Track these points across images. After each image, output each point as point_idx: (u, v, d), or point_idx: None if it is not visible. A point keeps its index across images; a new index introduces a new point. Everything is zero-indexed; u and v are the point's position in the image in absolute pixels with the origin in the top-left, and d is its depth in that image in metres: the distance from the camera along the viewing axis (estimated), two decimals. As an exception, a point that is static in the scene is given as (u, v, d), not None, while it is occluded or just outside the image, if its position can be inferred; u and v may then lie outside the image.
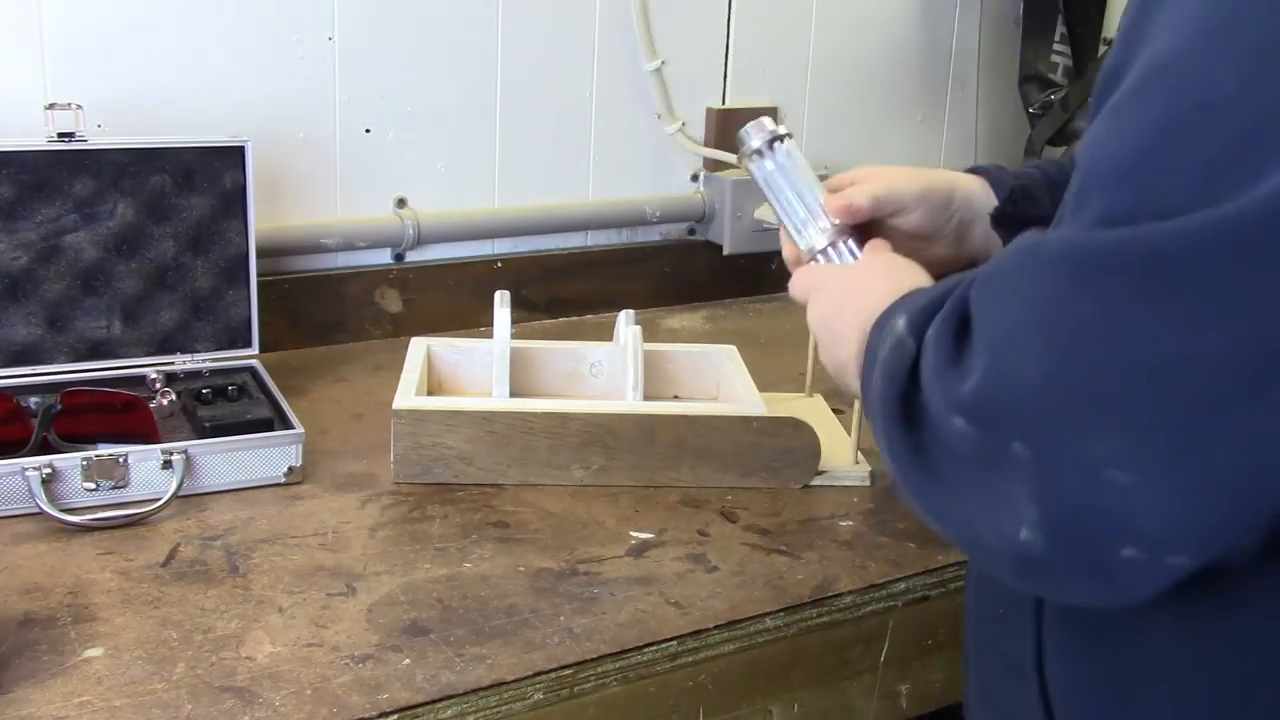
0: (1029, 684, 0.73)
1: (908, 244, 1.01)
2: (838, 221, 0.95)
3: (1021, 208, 0.98)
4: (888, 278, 0.81)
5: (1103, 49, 1.69)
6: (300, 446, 1.12)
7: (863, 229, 0.95)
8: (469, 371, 1.28)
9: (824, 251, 0.95)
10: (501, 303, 1.21)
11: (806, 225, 0.96)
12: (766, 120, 0.97)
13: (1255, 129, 0.52)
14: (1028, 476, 0.55)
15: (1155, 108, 0.55)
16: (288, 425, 1.15)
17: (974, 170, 1.04)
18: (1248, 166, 0.51)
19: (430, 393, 1.25)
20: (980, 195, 1.00)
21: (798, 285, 0.91)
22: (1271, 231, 0.50)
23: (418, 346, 1.26)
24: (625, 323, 1.23)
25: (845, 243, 0.96)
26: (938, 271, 0.95)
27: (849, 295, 0.82)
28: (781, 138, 0.97)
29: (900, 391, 0.64)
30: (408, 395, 1.15)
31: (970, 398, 0.57)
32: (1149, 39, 0.58)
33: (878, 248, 0.91)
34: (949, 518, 0.63)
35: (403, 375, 1.19)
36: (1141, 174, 0.55)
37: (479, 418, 1.12)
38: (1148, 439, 0.52)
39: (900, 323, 0.67)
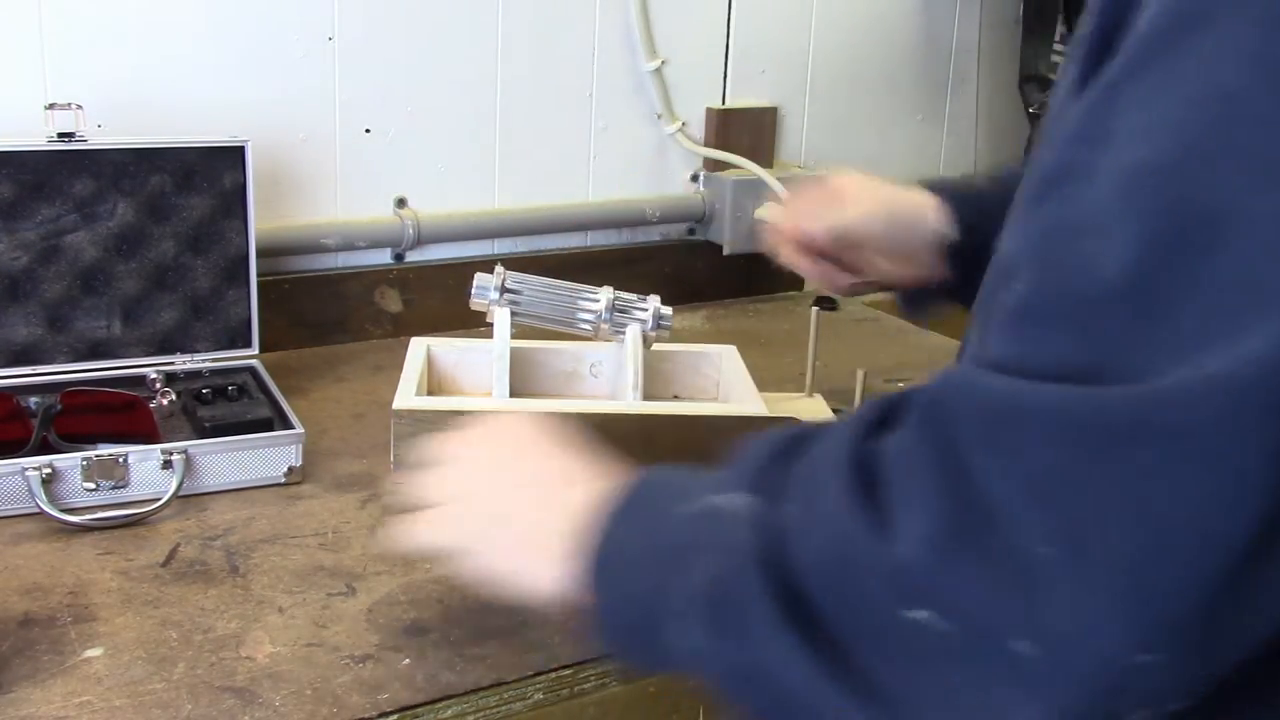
0: None
1: (880, 268, 1.01)
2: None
3: (976, 239, 0.91)
4: (565, 454, 0.68)
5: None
6: (300, 446, 1.12)
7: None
8: (469, 371, 1.28)
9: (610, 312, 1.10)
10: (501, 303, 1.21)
11: (578, 312, 1.16)
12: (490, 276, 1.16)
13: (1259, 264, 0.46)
14: (1032, 675, 0.47)
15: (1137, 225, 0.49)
16: (288, 425, 1.15)
17: (932, 187, 1.02)
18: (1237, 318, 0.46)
19: (430, 393, 1.25)
20: (938, 216, 0.99)
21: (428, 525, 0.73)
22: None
23: (418, 346, 1.26)
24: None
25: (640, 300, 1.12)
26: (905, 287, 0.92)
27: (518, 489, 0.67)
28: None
29: (773, 580, 0.51)
30: (407, 395, 1.14)
31: (939, 585, 0.48)
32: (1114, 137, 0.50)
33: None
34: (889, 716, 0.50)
35: (402, 375, 1.19)
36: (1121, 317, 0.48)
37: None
38: (1170, 614, 0.46)
39: (725, 499, 0.54)
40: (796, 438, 0.57)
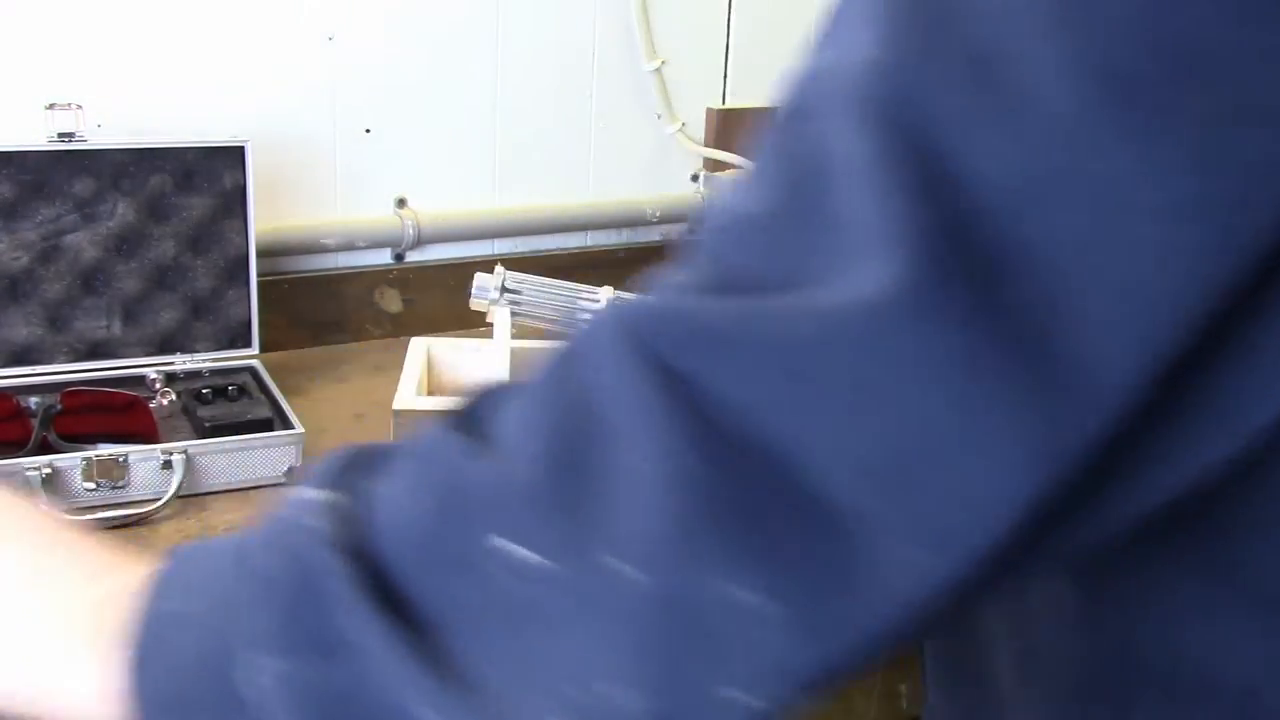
0: None
1: None
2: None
3: None
4: (76, 543, 0.53)
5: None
6: (300, 446, 1.12)
7: None
8: (469, 371, 1.28)
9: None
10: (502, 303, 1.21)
11: (578, 312, 1.19)
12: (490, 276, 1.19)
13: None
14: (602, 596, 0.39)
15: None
16: (288, 425, 1.15)
17: None
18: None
19: (430, 393, 1.25)
20: None
21: None
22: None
23: (418, 347, 1.26)
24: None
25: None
26: None
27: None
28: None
29: (366, 573, 0.42)
30: (407, 395, 1.14)
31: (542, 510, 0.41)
32: None
33: None
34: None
35: (402, 375, 1.19)
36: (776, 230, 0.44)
37: None
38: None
39: (314, 495, 0.46)
40: (376, 448, 0.48)
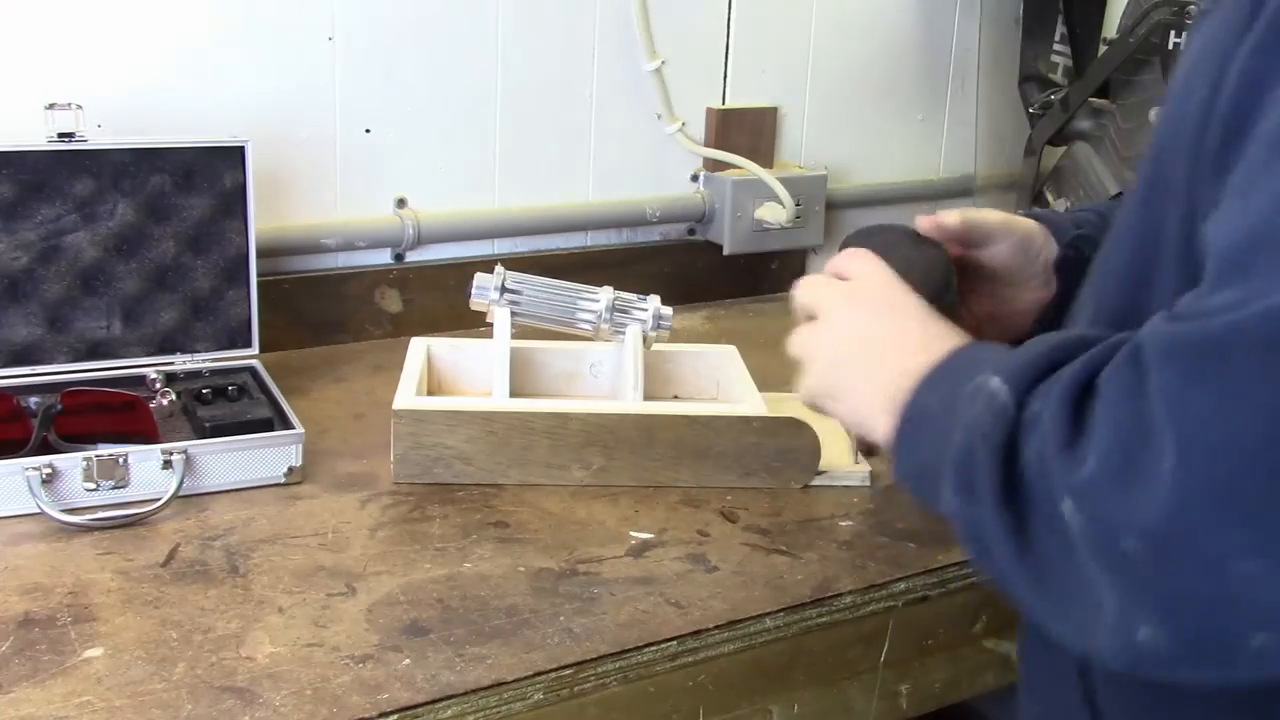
0: (1072, 683, 0.74)
1: (996, 288, 1.02)
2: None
3: (1084, 253, 0.97)
4: (909, 320, 0.81)
5: (1103, 49, 1.69)
6: (300, 446, 1.12)
7: (958, 270, 0.99)
8: (469, 372, 1.28)
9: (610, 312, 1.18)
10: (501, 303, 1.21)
11: (578, 312, 1.20)
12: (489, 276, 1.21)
13: None
14: (1146, 574, 0.53)
15: None
16: (288, 425, 1.15)
17: (1030, 216, 1.05)
18: None
19: (430, 393, 1.25)
20: (1045, 238, 1.02)
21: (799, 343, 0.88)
22: None
23: (418, 346, 1.26)
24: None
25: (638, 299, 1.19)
26: (1026, 319, 0.99)
27: (865, 339, 0.82)
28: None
29: (1002, 462, 0.61)
30: (408, 395, 1.14)
31: (1086, 484, 0.56)
32: (1275, 96, 0.57)
33: (868, 262, 0.89)
34: (1048, 606, 0.60)
35: (402, 375, 1.19)
36: (1266, 255, 0.55)
37: (479, 418, 1.12)
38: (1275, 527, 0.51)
39: (994, 383, 0.64)
40: (1071, 347, 0.65)
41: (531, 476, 1.13)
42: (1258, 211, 0.56)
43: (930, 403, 0.73)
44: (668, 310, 1.24)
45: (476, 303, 1.21)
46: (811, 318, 0.89)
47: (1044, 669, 0.81)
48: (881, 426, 0.78)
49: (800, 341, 0.88)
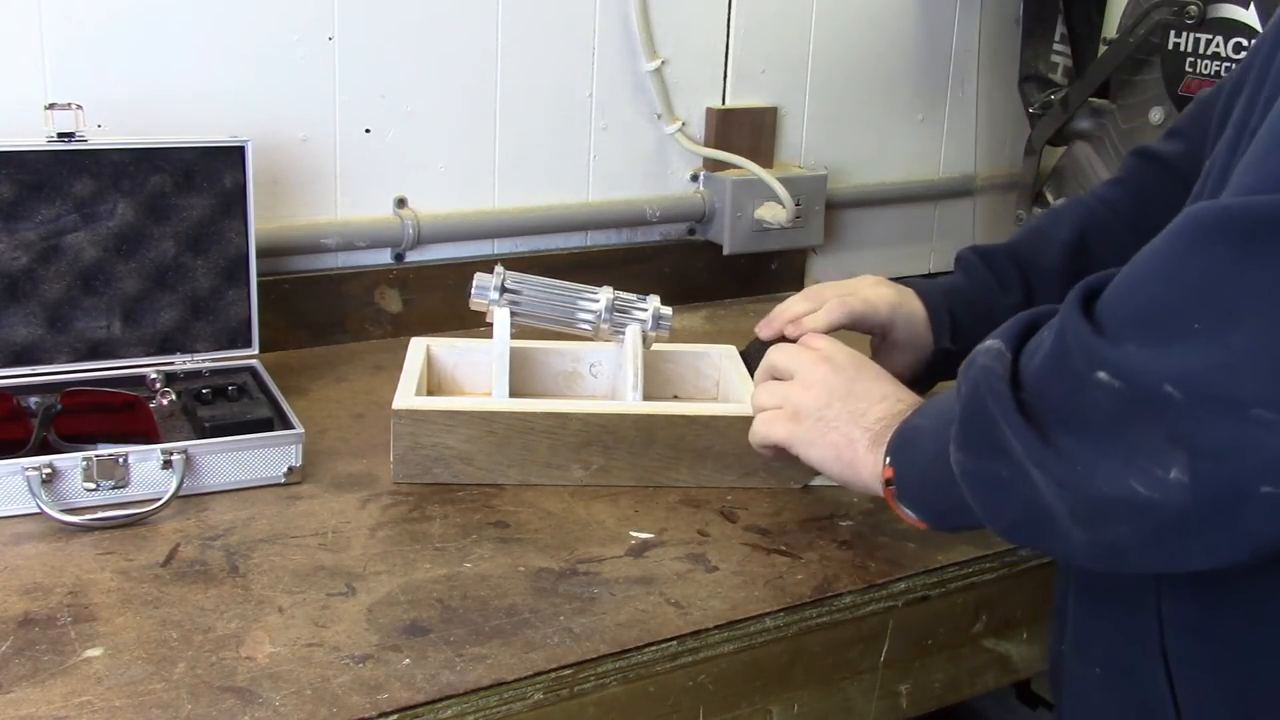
0: (1146, 635, 0.75)
1: (883, 357, 1.15)
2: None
3: (959, 343, 1.11)
4: (879, 379, 0.97)
5: (1103, 49, 1.69)
6: (300, 446, 1.12)
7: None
8: (469, 371, 1.28)
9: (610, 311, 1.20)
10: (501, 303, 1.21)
11: (578, 312, 1.21)
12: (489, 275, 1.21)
13: None
14: (1176, 419, 0.58)
15: None
16: (288, 425, 1.15)
17: (906, 281, 1.18)
18: None
19: (430, 393, 1.25)
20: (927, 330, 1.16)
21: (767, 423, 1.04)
22: None
23: (417, 347, 1.26)
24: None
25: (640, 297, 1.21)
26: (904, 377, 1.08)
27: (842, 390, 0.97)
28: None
29: (1010, 384, 0.68)
30: (407, 395, 1.14)
31: (1116, 352, 0.61)
32: None
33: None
34: (1090, 482, 0.63)
35: (402, 375, 1.19)
36: None
37: (479, 418, 1.12)
38: None
39: (994, 343, 0.71)
40: (1047, 311, 0.71)
41: (531, 476, 1.13)
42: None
43: (920, 423, 0.84)
44: (668, 310, 1.24)
45: (476, 303, 1.21)
46: (779, 379, 1.03)
47: (1105, 626, 0.81)
48: (870, 463, 0.91)
49: (777, 396, 1.02)
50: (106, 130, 1.29)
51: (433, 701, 0.83)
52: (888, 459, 0.90)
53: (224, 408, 1.18)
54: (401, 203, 1.53)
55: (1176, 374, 0.58)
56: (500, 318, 1.20)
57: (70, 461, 1.04)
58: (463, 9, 1.50)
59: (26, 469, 1.02)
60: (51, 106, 1.18)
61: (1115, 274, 0.65)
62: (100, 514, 1.03)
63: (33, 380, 1.19)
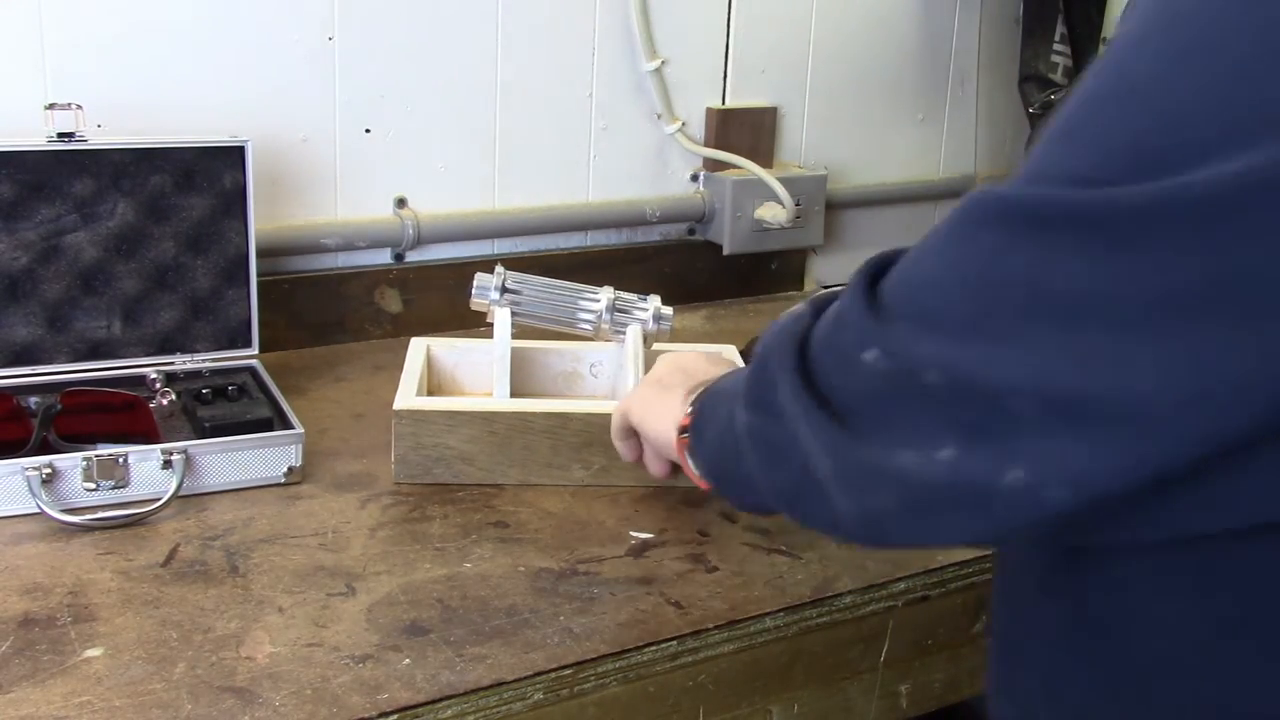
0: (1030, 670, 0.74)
1: None
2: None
3: None
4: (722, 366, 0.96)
5: (1102, 48, 1.69)
6: (300, 446, 1.12)
7: None
8: (468, 372, 1.28)
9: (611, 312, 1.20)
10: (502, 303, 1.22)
11: (578, 312, 1.21)
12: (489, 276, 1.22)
13: (1187, 113, 0.53)
14: (938, 402, 0.59)
15: (1093, 83, 0.58)
16: (288, 425, 1.15)
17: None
18: (1184, 148, 0.53)
19: (430, 393, 1.25)
20: None
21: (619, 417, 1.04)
22: (1186, 212, 0.52)
23: (417, 347, 1.26)
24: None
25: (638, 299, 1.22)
26: None
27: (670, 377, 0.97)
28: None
29: (797, 347, 0.68)
30: (408, 395, 1.14)
31: (887, 331, 0.61)
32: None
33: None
34: (865, 453, 0.64)
35: (403, 376, 1.19)
36: (1074, 139, 0.58)
37: (479, 418, 1.12)
38: (1051, 372, 0.55)
39: (800, 306, 0.72)
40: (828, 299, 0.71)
41: (532, 476, 1.13)
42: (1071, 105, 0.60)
43: (724, 385, 0.84)
44: (668, 310, 1.24)
45: (477, 303, 1.21)
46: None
47: (1033, 661, 0.79)
48: (678, 413, 0.91)
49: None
50: (106, 130, 1.29)
51: (433, 701, 0.83)
52: (690, 407, 0.89)
53: (224, 408, 1.18)
54: (401, 203, 1.53)
55: (939, 359, 0.58)
56: (501, 318, 1.20)
57: (70, 461, 1.04)
58: (463, 9, 1.50)
59: (26, 469, 1.02)
60: (51, 106, 1.18)
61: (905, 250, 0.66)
62: (100, 514, 1.03)
63: (33, 380, 1.19)
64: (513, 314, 1.20)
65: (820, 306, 0.71)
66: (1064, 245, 0.55)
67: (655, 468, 1.01)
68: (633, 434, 1.02)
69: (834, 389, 0.65)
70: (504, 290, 1.20)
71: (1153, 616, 0.64)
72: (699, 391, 0.90)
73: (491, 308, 1.21)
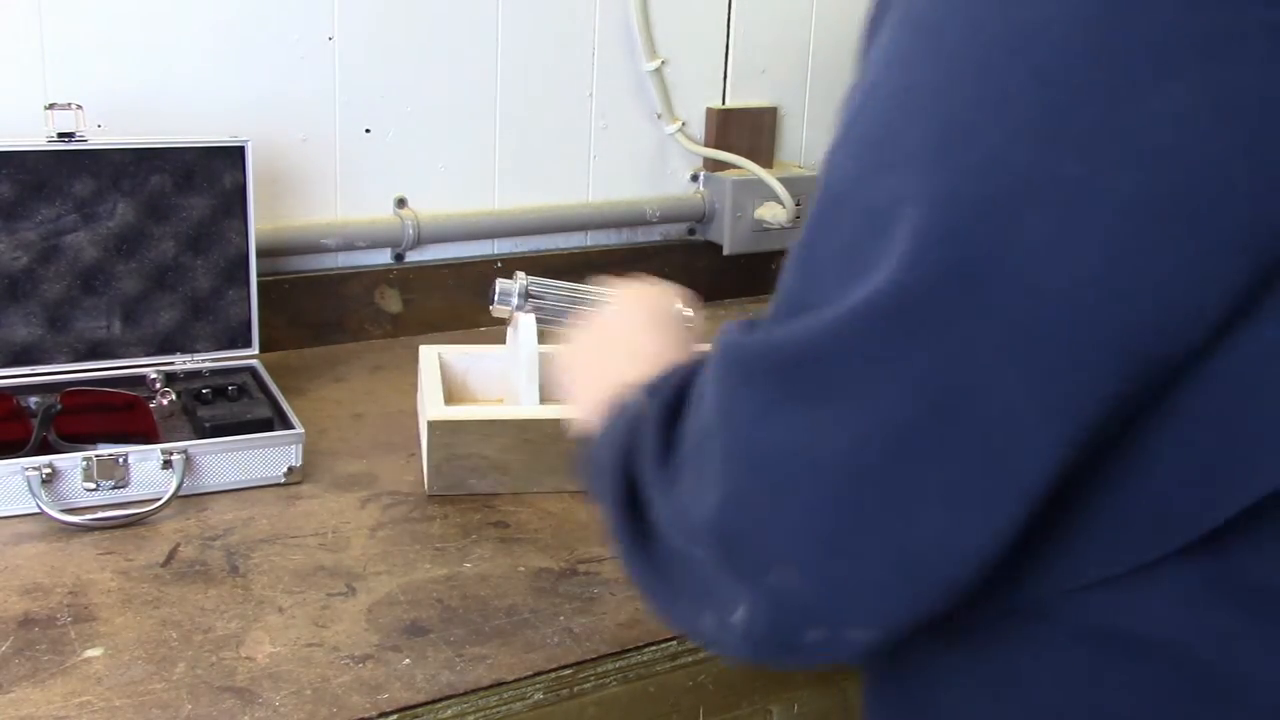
0: None
1: None
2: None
3: None
4: (666, 335, 0.83)
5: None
6: (300, 446, 1.12)
7: None
8: (479, 378, 1.27)
9: None
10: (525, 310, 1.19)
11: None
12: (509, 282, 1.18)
13: (860, 226, 0.52)
14: (716, 574, 0.55)
15: (817, 193, 0.58)
16: (288, 425, 1.15)
17: None
18: (857, 265, 0.51)
19: (446, 402, 1.24)
20: None
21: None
22: (865, 334, 0.50)
23: (429, 354, 1.24)
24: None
25: None
26: None
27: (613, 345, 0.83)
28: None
29: (624, 470, 0.63)
30: (438, 406, 1.13)
31: (667, 495, 0.58)
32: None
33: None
34: (672, 612, 0.62)
35: (425, 386, 1.17)
36: (802, 262, 0.56)
37: (514, 426, 1.11)
38: (807, 532, 0.52)
39: (643, 398, 0.66)
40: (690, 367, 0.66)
41: (566, 484, 1.11)
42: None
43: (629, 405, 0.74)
44: (689, 311, 1.21)
45: (498, 309, 1.19)
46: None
47: None
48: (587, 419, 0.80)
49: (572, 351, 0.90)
50: (106, 130, 1.29)
51: (433, 701, 0.83)
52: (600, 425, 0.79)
53: (224, 408, 1.18)
54: (401, 203, 1.53)
55: (714, 523, 0.55)
56: (526, 324, 1.18)
57: (70, 461, 1.04)
58: (463, 9, 1.50)
59: (26, 469, 1.02)
60: (51, 106, 1.19)
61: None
62: (100, 514, 1.03)
63: (33, 380, 1.19)
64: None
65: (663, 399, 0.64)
66: (782, 397, 0.53)
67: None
68: None
69: (642, 527, 0.62)
70: (527, 296, 1.18)
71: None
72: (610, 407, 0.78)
73: (515, 314, 1.19)
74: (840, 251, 0.53)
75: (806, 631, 0.54)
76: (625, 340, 0.83)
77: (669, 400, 0.62)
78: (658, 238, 1.74)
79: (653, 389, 0.65)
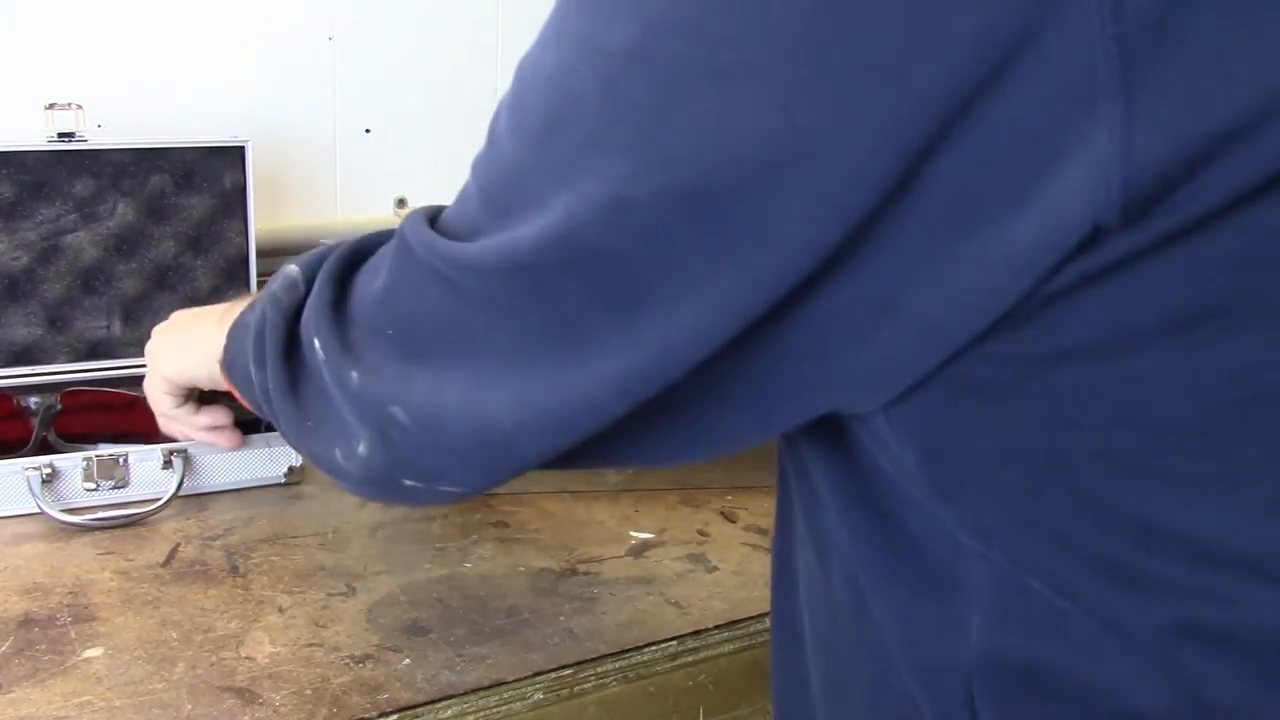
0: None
1: None
2: None
3: None
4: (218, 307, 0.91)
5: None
6: (300, 446, 1.12)
7: None
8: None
9: None
10: None
11: None
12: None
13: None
14: (355, 402, 0.62)
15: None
16: (288, 425, 1.15)
17: None
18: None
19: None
20: None
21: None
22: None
23: None
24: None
25: None
26: None
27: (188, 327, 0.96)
28: None
29: (287, 325, 0.71)
30: None
31: (328, 328, 0.65)
32: None
33: None
34: (312, 445, 0.67)
35: None
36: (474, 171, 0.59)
37: None
38: (412, 396, 0.59)
39: (289, 267, 0.75)
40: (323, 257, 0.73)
41: (569, 484, 1.13)
42: None
43: (245, 318, 0.82)
44: None
45: None
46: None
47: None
48: (217, 339, 0.85)
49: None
50: (106, 130, 1.29)
51: (433, 701, 0.83)
52: (223, 359, 0.85)
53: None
54: (401, 203, 1.53)
55: (359, 368, 0.62)
56: None
57: (70, 461, 1.04)
58: (463, 9, 1.50)
59: (26, 469, 1.02)
60: (51, 106, 1.19)
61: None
62: (100, 514, 1.03)
63: (33, 380, 1.19)
64: None
65: (311, 265, 0.73)
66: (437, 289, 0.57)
67: (225, 437, 1.01)
68: (185, 400, 0.98)
69: (296, 372, 0.69)
70: None
71: None
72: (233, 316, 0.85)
73: None
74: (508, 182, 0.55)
75: (405, 479, 0.61)
76: (182, 327, 0.96)
77: (344, 255, 0.70)
78: (658, 238, 1.73)
79: (306, 260, 0.74)
